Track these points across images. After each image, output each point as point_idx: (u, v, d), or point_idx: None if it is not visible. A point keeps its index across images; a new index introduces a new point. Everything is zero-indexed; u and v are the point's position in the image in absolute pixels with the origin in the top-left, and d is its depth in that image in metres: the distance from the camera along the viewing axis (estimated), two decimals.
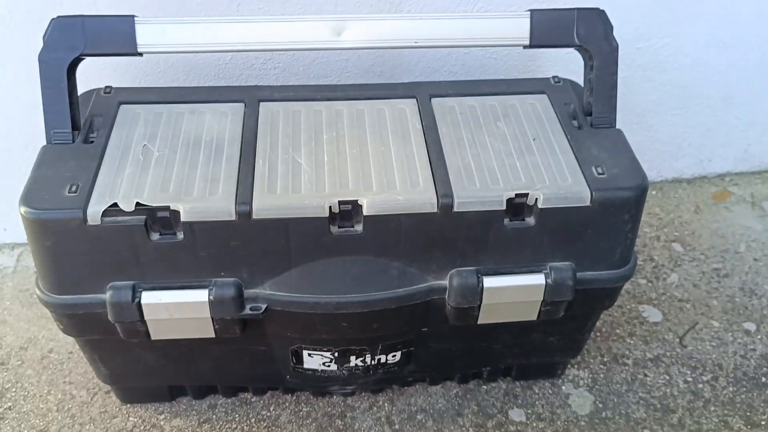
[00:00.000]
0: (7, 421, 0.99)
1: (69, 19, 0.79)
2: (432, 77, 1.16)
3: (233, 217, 0.75)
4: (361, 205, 0.76)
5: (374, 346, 0.90)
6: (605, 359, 1.10)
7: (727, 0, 1.18)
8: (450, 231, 0.79)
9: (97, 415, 1.00)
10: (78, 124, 0.83)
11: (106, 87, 0.89)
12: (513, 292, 0.83)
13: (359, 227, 0.78)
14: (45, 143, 0.81)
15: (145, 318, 0.80)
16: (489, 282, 0.82)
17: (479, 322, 0.86)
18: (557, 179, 0.79)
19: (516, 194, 0.77)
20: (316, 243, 0.78)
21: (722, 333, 1.14)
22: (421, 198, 0.76)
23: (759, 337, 1.13)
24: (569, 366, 1.09)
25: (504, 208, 0.77)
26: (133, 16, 0.80)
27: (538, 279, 0.82)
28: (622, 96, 1.27)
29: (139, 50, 0.81)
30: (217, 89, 0.92)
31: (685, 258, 1.28)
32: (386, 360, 0.94)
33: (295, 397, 1.04)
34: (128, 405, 1.02)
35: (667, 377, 1.08)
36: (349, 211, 0.77)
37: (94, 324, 0.82)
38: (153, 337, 0.83)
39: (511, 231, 0.79)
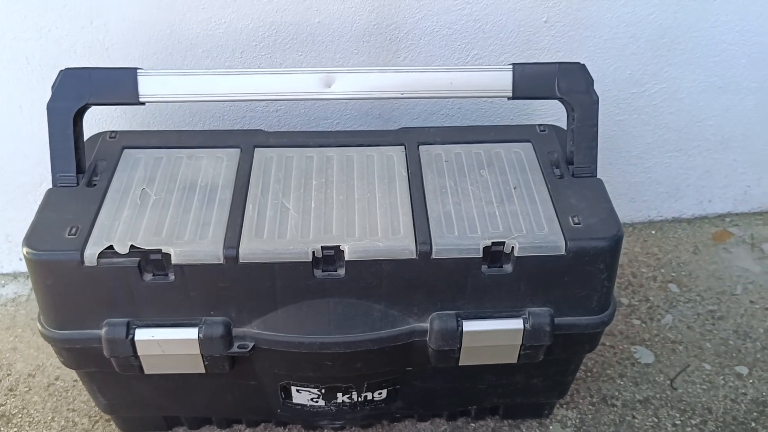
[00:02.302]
0: None
1: (76, 71, 0.85)
2: (429, 120, 1.20)
3: (221, 261, 0.79)
4: (343, 251, 0.80)
5: (360, 384, 0.93)
6: (594, 400, 1.11)
7: (721, 46, 1.20)
8: (429, 276, 0.82)
9: None
10: (83, 168, 0.88)
11: (112, 132, 0.95)
12: (492, 336, 0.85)
13: (342, 271, 0.81)
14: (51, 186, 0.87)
15: (138, 353, 0.84)
16: (468, 326, 0.84)
17: (460, 363, 0.88)
18: (534, 228, 0.82)
19: (493, 242, 0.80)
20: (301, 285, 0.82)
21: (713, 376, 1.15)
22: (401, 245, 0.80)
23: (750, 381, 1.14)
24: (558, 406, 1.10)
25: (481, 255, 0.80)
26: (135, 69, 0.85)
27: (517, 324, 0.85)
28: (618, 138, 1.30)
29: (141, 100, 0.86)
30: (216, 134, 0.97)
31: (680, 299, 1.29)
32: (373, 397, 0.96)
33: (286, 430, 1.07)
34: None
35: (656, 420, 1.08)
36: (332, 256, 0.80)
37: (91, 357, 0.86)
38: (146, 371, 0.87)
39: (489, 278, 0.82)
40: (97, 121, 1.10)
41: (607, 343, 1.20)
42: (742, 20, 1.18)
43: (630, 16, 1.16)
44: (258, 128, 1.07)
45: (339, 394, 0.95)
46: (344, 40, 1.09)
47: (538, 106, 1.22)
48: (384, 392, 0.96)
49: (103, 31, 1.04)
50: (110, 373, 0.88)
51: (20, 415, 1.08)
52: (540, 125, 0.98)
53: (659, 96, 1.26)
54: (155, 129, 1.13)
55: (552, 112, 1.23)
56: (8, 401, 1.10)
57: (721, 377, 1.15)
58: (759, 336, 1.21)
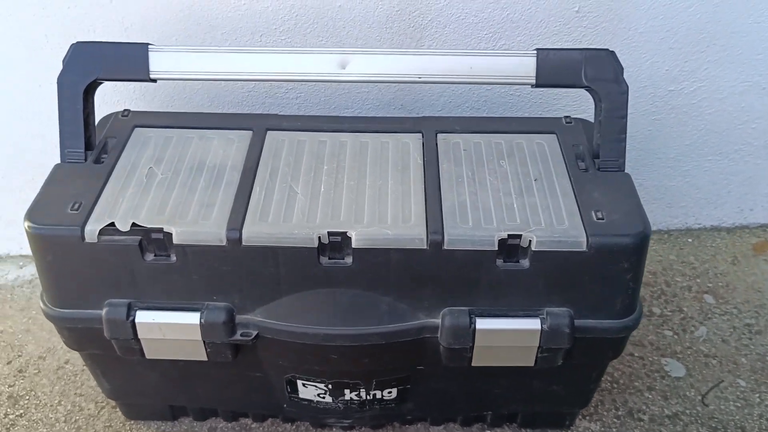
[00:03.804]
0: (17, 428, 1.02)
1: (87, 45, 0.83)
2: (453, 111, 1.15)
3: (223, 243, 0.76)
4: (350, 238, 0.76)
5: (368, 381, 0.89)
6: (620, 413, 1.05)
7: (765, 43, 1.13)
8: (441, 269, 0.77)
9: (101, 428, 1.03)
10: (91, 145, 0.86)
11: (124, 110, 0.93)
12: (507, 336, 0.81)
13: (349, 259, 0.77)
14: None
15: (139, 336, 0.81)
16: (482, 323, 0.80)
17: (473, 364, 0.84)
18: (553, 222, 0.77)
19: (509, 235, 0.76)
20: (306, 273, 0.78)
21: (748, 393, 1.07)
22: (411, 233, 0.76)
23: None
24: (580, 417, 1.04)
25: (496, 248, 0.76)
26: (147, 44, 0.83)
27: (534, 324, 0.80)
28: (654, 138, 1.24)
29: (152, 76, 0.84)
30: (229, 116, 0.94)
31: (716, 311, 1.21)
32: (382, 396, 0.92)
33: (294, 427, 1.03)
34: (132, 421, 1.04)
35: None
36: (338, 243, 0.77)
37: (93, 339, 0.84)
38: (147, 356, 0.84)
39: (504, 273, 0.77)
40: (113, 102, 1.08)
41: (636, 354, 1.14)
42: None
43: (667, 9, 1.10)
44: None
45: (347, 391, 0.91)
46: (366, 26, 1.06)
47: (570, 101, 1.17)
48: (394, 391, 0.92)
49: (122, 11, 1.02)
50: (113, 356, 0.86)
51: (27, 397, 1.07)
52: (566, 117, 0.93)
53: (698, 95, 1.19)
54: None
55: (585, 107, 1.17)
56: (17, 383, 1.09)
57: (757, 395, 1.07)
58: None
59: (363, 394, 0.91)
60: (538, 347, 0.81)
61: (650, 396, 1.08)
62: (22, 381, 1.09)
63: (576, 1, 1.06)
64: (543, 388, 0.92)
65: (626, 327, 0.82)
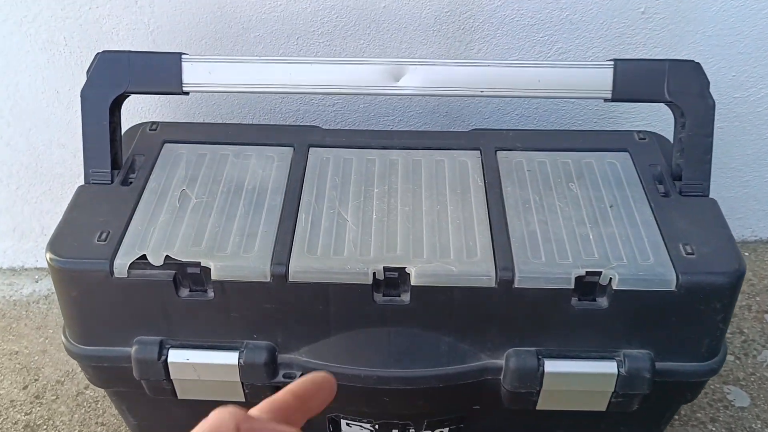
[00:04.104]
0: None
1: (114, 54, 0.75)
2: (502, 120, 1.07)
3: (268, 279, 0.68)
4: (408, 274, 0.68)
5: (419, 422, 0.82)
6: None
7: None
8: (509, 308, 0.69)
9: None
10: (119, 164, 0.78)
11: (152, 124, 0.85)
12: (579, 380, 0.73)
13: (406, 297, 0.69)
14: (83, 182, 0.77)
15: (171, 377, 0.74)
16: (551, 366, 0.72)
17: (538, 408, 0.76)
18: (637, 257, 0.69)
19: (587, 272, 0.67)
20: (358, 311, 0.70)
21: None
22: (478, 270, 0.68)
23: None
24: None
25: (572, 287, 0.67)
26: (180, 54, 0.75)
27: (610, 367, 0.72)
28: (715, 147, 1.15)
29: (185, 89, 0.76)
30: (266, 129, 0.86)
31: None
32: None
33: None
34: None
35: None
36: (395, 279, 0.69)
37: (120, 377, 0.77)
38: (180, 396, 0.77)
39: (580, 312, 0.69)
40: (138, 111, 1.00)
41: None
42: None
43: (738, 11, 1.00)
44: (312, 124, 0.95)
45: (394, 431, 0.83)
46: (411, 29, 0.97)
47: (627, 109, 1.08)
48: (446, 431, 0.84)
49: (148, 12, 0.94)
50: (141, 393, 0.78)
51: (45, 426, 1.00)
52: (639, 132, 0.84)
53: (764, 103, 1.10)
54: (200, 122, 1.03)
55: (642, 116, 1.09)
56: (34, 410, 1.02)
57: None
58: None
59: None
60: (613, 392, 0.74)
61: (714, 429, 1.00)
62: (39, 408, 1.02)
63: (642, 1, 0.96)
64: (609, 430, 0.84)
65: (711, 370, 0.74)
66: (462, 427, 0.84)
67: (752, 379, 1.06)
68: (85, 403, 1.03)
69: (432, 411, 0.79)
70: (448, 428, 0.84)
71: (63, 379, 1.06)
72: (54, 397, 1.04)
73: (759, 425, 1.00)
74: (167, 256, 0.68)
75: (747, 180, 1.20)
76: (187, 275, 0.69)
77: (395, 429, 0.83)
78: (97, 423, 1.00)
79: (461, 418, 0.82)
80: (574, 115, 1.08)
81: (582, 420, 0.82)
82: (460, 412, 0.81)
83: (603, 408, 0.76)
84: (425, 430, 0.83)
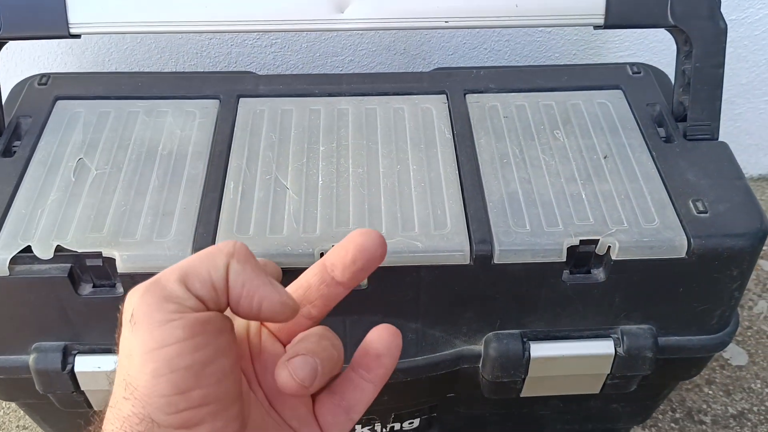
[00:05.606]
0: None
1: None
2: (469, 56, 0.93)
3: None
4: None
5: (385, 416, 0.71)
6: (677, 415, 0.89)
7: None
8: (488, 288, 0.57)
9: None
10: None
11: (42, 76, 0.69)
12: (570, 364, 0.62)
13: (363, 280, 0.57)
14: None
15: (82, 389, 0.61)
16: (538, 349, 0.61)
17: (522, 395, 0.65)
18: (639, 219, 0.57)
19: (581, 241, 0.55)
20: None
21: None
22: (449, 245, 0.55)
23: None
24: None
25: (564, 259, 0.55)
26: None
27: (605, 347, 0.61)
28: None
29: (73, 31, 0.60)
30: (186, 77, 0.70)
31: None
32: (401, 428, 0.74)
33: None
34: None
35: None
36: None
37: (23, 389, 0.63)
38: (97, 408, 0.64)
39: (572, 288, 0.58)
40: (29, 63, 0.83)
41: None
42: None
43: None
44: (245, 70, 0.80)
45: (357, 427, 0.72)
46: None
47: (610, 37, 0.95)
48: (416, 422, 0.73)
49: None
50: (53, 404, 0.65)
51: None
52: (632, 65, 0.71)
53: (762, 24, 0.98)
54: (103, 71, 0.87)
55: (627, 46, 0.96)
56: None
57: None
58: None
59: (378, 428, 0.73)
60: (609, 374, 0.63)
61: (710, 392, 0.91)
62: None
63: None
64: (600, 408, 0.75)
65: (722, 343, 0.63)
66: (435, 416, 0.73)
67: (749, 334, 0.98)
68: (4, 405, 0.90)
69: (399, 405, 0.68)
70: (418, 419, 0.73)
71: None
72: None
73: (759, 384, 0.92)
74: (59, 246, 0.54)
75: (739, 113, 1.09)
76: (87, 268, 0.55)
77: (357, 424, 0.72)
78: (18, 426, 0.87)
79: (433, 407, 0.71)
80: (550, 47, 0.94)
81: (571, 401, 0.72)
82: (432, 402, 0.70)
83: (596, 391, 0.65)
84: (393, 422, 0.72)
